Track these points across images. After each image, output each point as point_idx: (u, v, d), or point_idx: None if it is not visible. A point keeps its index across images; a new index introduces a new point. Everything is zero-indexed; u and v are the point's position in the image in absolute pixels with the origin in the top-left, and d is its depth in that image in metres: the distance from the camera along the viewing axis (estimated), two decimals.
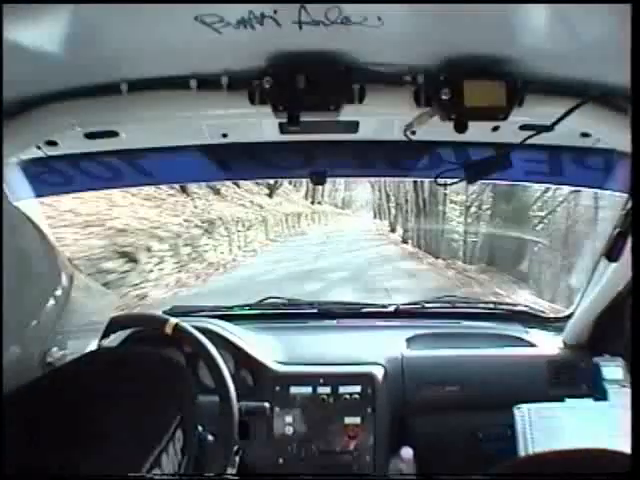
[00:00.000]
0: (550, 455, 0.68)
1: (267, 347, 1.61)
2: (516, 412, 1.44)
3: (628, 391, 1.41)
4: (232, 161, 1.40)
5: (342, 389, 1.50)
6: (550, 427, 1.39)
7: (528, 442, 1.40)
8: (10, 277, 0.55)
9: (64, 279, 0.76)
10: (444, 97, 0.94)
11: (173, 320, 1.35)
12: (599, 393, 1.46)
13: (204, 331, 1.41)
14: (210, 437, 1.25)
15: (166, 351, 0.81)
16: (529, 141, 1.15)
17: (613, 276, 1.36)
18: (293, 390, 1.50)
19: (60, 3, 0.72)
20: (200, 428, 1.18)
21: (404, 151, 1.35)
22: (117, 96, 1.00)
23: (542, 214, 10.87)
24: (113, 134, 1.17)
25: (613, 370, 1.47)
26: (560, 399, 1.47)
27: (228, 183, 13.54)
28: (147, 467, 0.56)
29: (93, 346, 1.00)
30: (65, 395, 0.60)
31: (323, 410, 1.50)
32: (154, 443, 0.59)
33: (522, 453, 1.40)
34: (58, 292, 0.74)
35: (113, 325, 1.40)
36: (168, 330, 1.33)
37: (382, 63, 0.96)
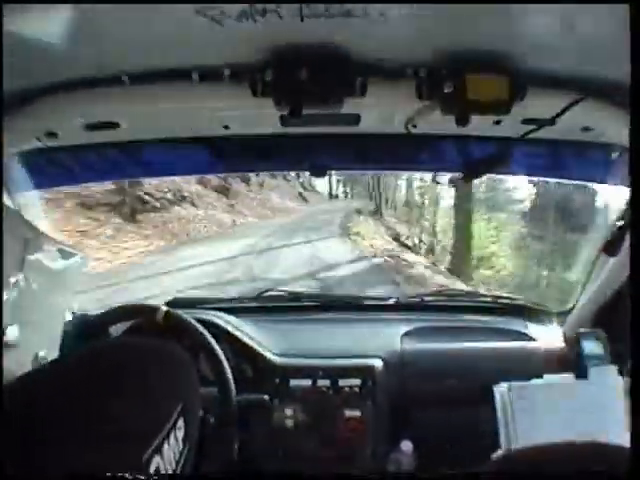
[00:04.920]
0: (547, 447, 0.68)
1: (267, 340, 1.62)
2: (495, 390, 1.43)
3: (607, 368, 1.40)
4: (233, 153, 1.39)
5: (342, 382, 1.51)
6: (530, 407, 1.38)
7: (509, 421, 1.39)
8: None
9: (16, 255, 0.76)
10: (446, 91, 0.94)
11: (163, 308, 1.38)
12: (579, 370, 1.44)
13: (205, 323, 1.42)
14: (211, 424, 1.27)
15: (166, 342, 0.81)
16: (531, 135, 1.14)
17: (613, 270, 1.36)
18: (293, 383, 1.51)
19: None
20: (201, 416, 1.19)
21: (406, 145, 1.35)
22: (118, 88, 1.00)
23: None
24: (114, 126, 1.16)
25: (593, 345, 1.45)
26: None
27: None
28: (147, 455, 0.57)
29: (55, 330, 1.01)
30: (66, 385, 0.60)
31: (323, 403, 1.50)
32: (154, 432, 0.60)
33: (502, 430, 1.38)
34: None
35: (109, 318, 1.43)
36: (159, 318, 1.36)
37: (384, 56, 0.96)
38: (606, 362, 1.42)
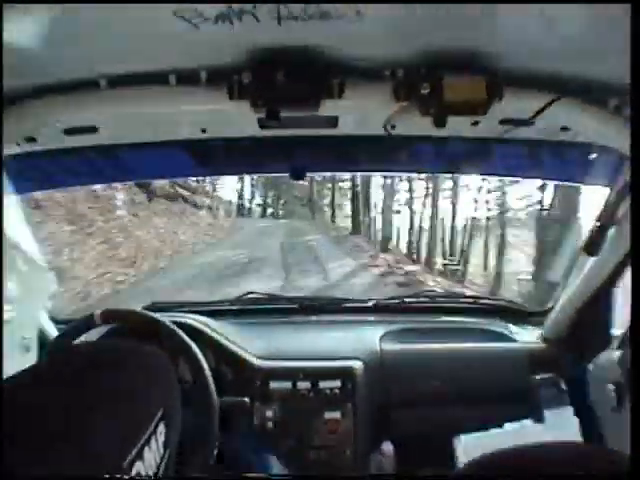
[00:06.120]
0: (529, 450, 0.68)
1: (247, 342, 1.61)
2: (455, 442, 1.44)
3: (563, 410, 1.45)
4: (212, 156, 1.39)
5: (322, 384, 1.50)
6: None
7: None
8: None
9: None
10: (423, 92, 0.94)
11: (98, 311, 1.38)
12: (537, 415, 1.47)
13: (184, 326, 1.40)
14: (192, 427, 1.25)
15: (144, 345, 0.80)
16: (509, 135, 1.15)
17: (592, 270, 1.37)
18: (273, 385, 1.50)
19: (39, 3, 0.71)
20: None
21: (384, 146, 1.35)
22: (96, 92, 0.99)
23: None
24: (92, 130, 1.15)
25: (548, 390, 1.50)
26: (536, 396, 1.49)
27: None
28: (129, 461, 0.56)
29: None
30: (45, 390, 0.59)
31: (303, 405, 1.49)
32: (136, 437, 0.59)
33: None
34: None
35: (59, 342, 1.41)
36: (97, 320, 1.37)
37: (362, 58, 0.96)
38: (562, 403, 1.47)
